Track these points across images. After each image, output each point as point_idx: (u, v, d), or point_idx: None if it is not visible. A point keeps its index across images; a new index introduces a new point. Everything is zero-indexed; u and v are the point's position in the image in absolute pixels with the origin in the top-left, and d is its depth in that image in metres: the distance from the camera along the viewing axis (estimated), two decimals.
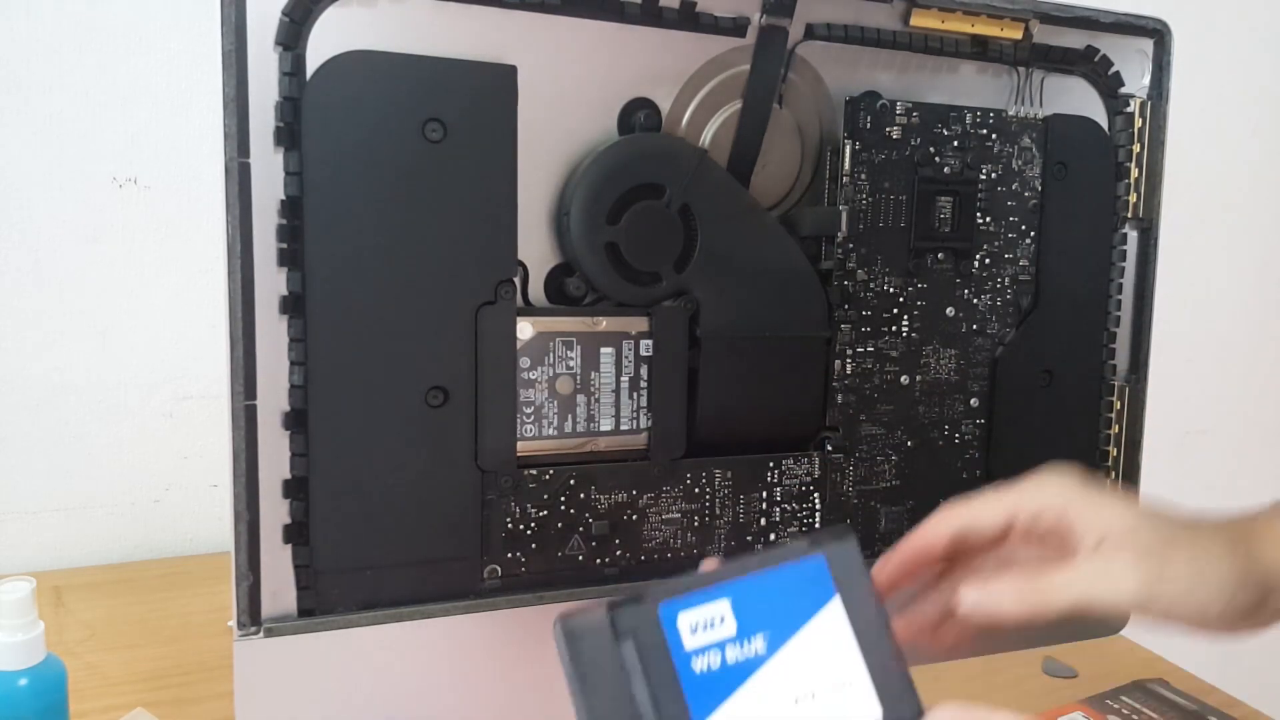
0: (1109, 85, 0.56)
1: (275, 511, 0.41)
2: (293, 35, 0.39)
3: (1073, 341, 0.56)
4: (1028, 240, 0.54)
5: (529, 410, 0.45)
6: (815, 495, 0.52)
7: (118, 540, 0.80)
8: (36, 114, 0.76)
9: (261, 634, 0.41)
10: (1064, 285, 0.55)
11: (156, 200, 0.79)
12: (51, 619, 0.64)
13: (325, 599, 0.42)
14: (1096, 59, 0.55)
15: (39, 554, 0.78)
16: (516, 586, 0.46)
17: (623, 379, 0.47)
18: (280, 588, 0.41)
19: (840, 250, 0.50)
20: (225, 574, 0.40)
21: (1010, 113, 0.53)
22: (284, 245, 0.40)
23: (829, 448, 0.51)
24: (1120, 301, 0.57)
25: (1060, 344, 0.56)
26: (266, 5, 0.39)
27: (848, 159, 0.50)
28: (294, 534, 0.41)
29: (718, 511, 0.50)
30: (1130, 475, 0.59)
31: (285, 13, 0.39)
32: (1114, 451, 0.58)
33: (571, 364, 0.46)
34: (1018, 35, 0.53)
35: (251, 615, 0.41)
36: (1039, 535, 0.41)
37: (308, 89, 0.40)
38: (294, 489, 0.41)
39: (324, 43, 0.40)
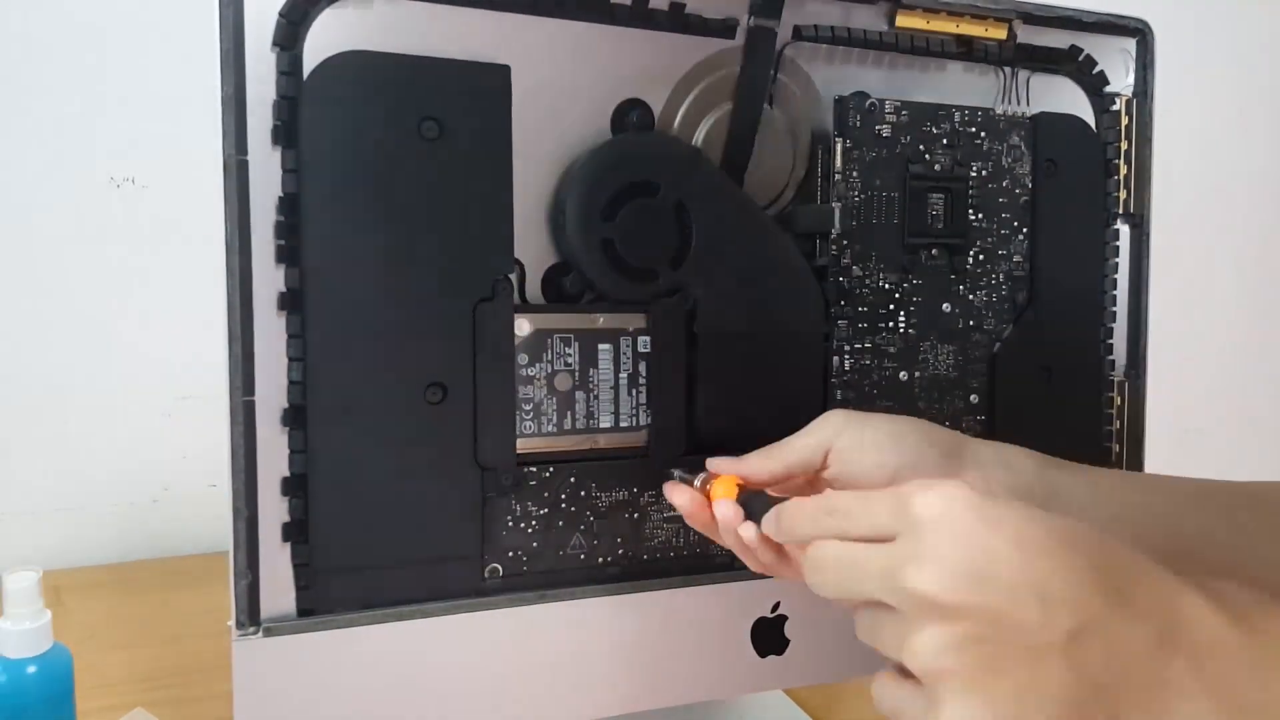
0: (1094, 84, 0.57)
1: (274, 510, 0.41)
2: (290, 36, 0.40)
3: (1070, 337, 0.56)
4: (1020, 236, 0.55)
5: (528, 407, 0.45)
6: None
7: (117, 540, 0.80)
8: (34, 114, 0.77)
9: (260, 634, 0.40)
10: (1059, 281, 0.56)
11: (154, 199, 0.79)
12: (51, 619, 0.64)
13: (324, 598, 0.42)
14: (1081, 58, 0.56)
15: (39, 554, 0.78)
16: (518, 585, 0.45)
17: (621, 376, 0.47)
18: (279, 587, 0.41)
19: (835, 247, 0.51)
20: (225, 573, 0.40)
21: (998, 111, 0.54)
22: (282, 242, 0.41)
23: None
24: (1115, 297, 0.57)
25: (1058, 340, 0.56)
26: (264, 6, 0.39)
27: (839, 157, 0.50)
28: (293, 532, 0.41)
29: None
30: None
31: (282, 14, 0.40)
32: (1117, 448, 0.58)
33: (570, 361, 0.46)
34: (1002, 35, 0.54)
35: (250, 615, 0.40)
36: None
37: (305, 88, 0.40)
38: (293, 486, 0.41)
39: (321, 43, 0.41)
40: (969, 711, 0.28)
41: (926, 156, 0.52)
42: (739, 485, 0.41)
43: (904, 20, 0.51)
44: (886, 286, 0.52)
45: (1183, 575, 0.30)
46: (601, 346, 0.47)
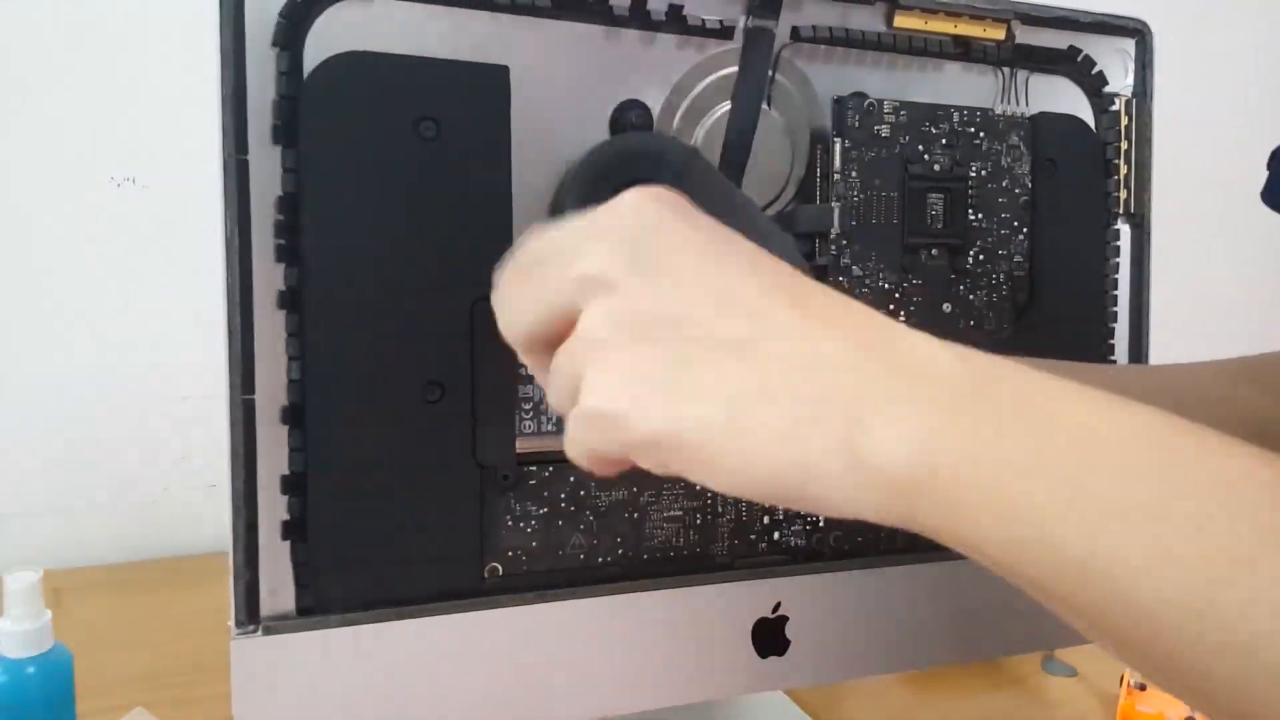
0: (1093, 84, 0.57)
1: (273, 508, 0.41)
2: (290, 36, 0.40)
3: (1071, 338, 0.56)
4: (1020, 236, 0.55)
5: (527, 406, 0.45)
6: None
7: (117, 540, 0.80)
8: (34, 114, 0.77)
9: (259, 633, 0.40)
10: (1060, 281, 0.56)
11: (154, 199, 0.80)
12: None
13: (324, 597, 0.42)
14: (1079, 59, 0.56)
15: (38, 554, 0.78)
16: (518, 585, 0.45)
17: None
18: (278, 586, 0.41)
19: (834, 247, 0.51)
20: (224, 573, 0.40)
21: (997, 111, 0.54)
22: (281, 241, 0.41)
23: None
24: (1117, 297, 0.57)
25: (1058, 340, 0.56)
26: (264, 6, 0.40)
27: (838, 157, 0.51)
28: (292, 531, 0.41)
29: (720, 510, 0.49)
30: None
31: (282, 14, 0.40)
32: None
33: None
34: (1000, 36, 0.54)
35: (249, 613, 0.40)
36: None
37: (305, 88, 0.41)
38: (292, 485, 0.41)
39: (321, 43, 0.41)
40: (618, 376, 0.26)
41: (925, 156, 0.52)
42: None
43: (902, 21, 0.52)
44: (886, 286, 0.52)
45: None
46: None
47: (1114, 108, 0.57)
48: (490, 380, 0.44)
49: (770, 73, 0.50)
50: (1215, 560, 0.21)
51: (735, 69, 0.49)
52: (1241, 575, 0.21)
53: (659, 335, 0.26)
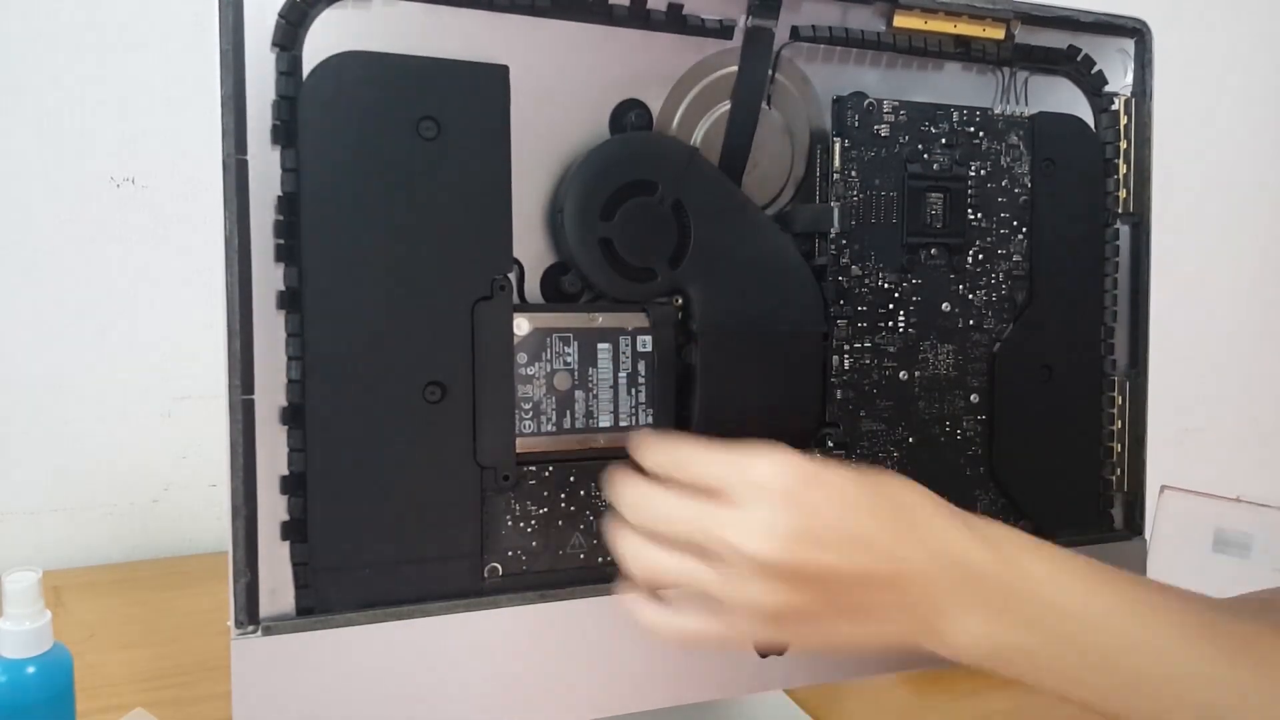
0: (1092, 84, 0.57)
1: (273, 508, 0.41)
2: (289, 36, 0.40)
3: (1070, 337, 0.56)
4: (1020, 236, 0.55)
5: (527, 406, 0.45)
6: None
7: (117, 540, 0.80)
8: (34, 114, 0.77)
9: (259, 633, 0.40)
10: (1059, 280, 0.56)
11: (154, 200, 0.80)
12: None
13: (324, 597, 0.42)
14: (1079, 58, 0.56)
15: (38, 554, 0.78)
16: (517, 585, 0.45)
17: (620, 375, 0.47)
18: (278, 586, 0.41)
19: (834, 246, 0.51)
20: (224, 573, 0.40)
21: (996, 111, 0.54)
22: (281, 241, 0.41)
23: (830, 444, 0.51)
24: (1116, 296, 0.57)
25: (1058, 340, 0.56)
26: (263, 6, 0.40)
27: (837, 156, 0.51)
28: (292, 531, 0.41)
29: None
30: (1135, 472, 0.58)
31: (282, 14, 0.40)
32: (1118, 448, 0.58)
33: (569, 360, 0.46)
34: (1000, 35, 0.54)
35: (249, 614, 0.40)
36: None
37: (304, 88, 0.41)
38: (292, 485, 0.41)
39: (320, 44, 0.41)
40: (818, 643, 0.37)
41: (925, 156, 0.52)
42: None
43: (901, 20, 0.52)
44: (886, 286, 0.52)
45: (952, 512, 0.38)
46: (600, 346, 0.47)
47: (1113, 107, 0.57)
48: (490, 380, 0.44)
49: (770, 72, 0.50)
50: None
51: (735, 69, 0.49)
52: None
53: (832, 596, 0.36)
